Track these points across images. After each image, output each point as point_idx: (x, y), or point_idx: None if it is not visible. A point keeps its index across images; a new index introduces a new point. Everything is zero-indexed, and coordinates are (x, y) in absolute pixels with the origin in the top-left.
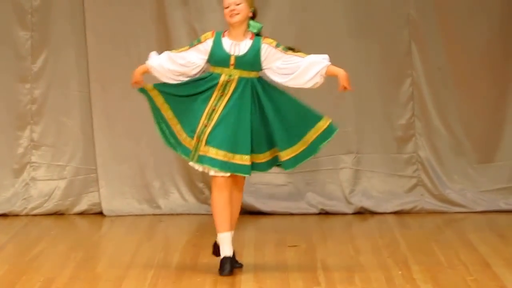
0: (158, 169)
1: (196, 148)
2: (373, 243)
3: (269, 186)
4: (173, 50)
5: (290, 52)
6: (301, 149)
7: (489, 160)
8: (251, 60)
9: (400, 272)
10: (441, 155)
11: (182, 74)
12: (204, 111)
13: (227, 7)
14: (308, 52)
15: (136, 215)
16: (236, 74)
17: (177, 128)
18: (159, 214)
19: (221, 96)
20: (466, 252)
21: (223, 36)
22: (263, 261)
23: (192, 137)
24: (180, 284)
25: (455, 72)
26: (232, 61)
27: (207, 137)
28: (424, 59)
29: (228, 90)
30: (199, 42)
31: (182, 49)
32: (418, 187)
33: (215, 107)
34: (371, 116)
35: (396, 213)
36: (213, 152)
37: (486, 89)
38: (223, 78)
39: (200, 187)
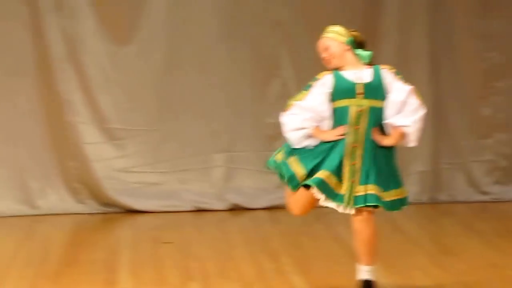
0: (35, 171)
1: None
2: (246, 238)
3: (144, 185)
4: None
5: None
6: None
7: None
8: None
9: (272, 265)
10: None
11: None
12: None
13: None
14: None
15: (15, 216)
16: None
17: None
18: (38, 215)
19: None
20: (334, 245)
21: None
22: (140, 259)
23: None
24: (61, 283)
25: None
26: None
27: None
28: (293, 61)
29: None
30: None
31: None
32: None
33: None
34: (243, 115)
35: (267, 208)
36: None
37: None
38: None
39: (77, 187)
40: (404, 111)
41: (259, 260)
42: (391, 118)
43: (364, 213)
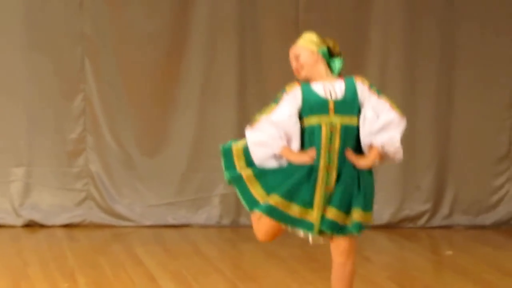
0: None
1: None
2: (41, 256)
3: None
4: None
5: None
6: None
7: (157, 175)
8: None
9: (66, 285)
10: (112, 170)
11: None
12: None
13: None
14: None
15: None
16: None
17: None
18: None
19: None
20: (132, 266)
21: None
22: None
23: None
24: None
25: (128, 89)
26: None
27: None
28: (97, 75)
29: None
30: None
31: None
32: (87, 201)
33: None
34: (43, 129)
35: (65, 226)
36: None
37: (155, 106)
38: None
39: None
40: (381, 128)
41: (54, 279)
42: (367, 136)
43: (342, 243)
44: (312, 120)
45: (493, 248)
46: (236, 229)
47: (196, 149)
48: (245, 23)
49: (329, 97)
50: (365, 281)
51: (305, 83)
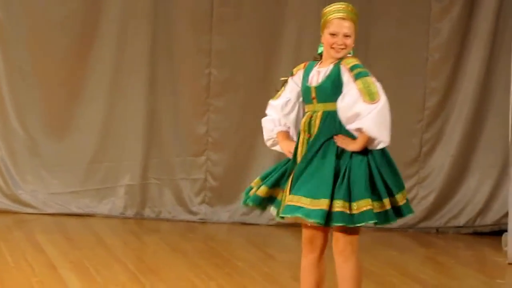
0: None
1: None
2: None
3: None
4: None
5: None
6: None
7: (63, 163)
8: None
9: None
10: (17, 156)
11: None
12: None
13: (335, 36)
14: None
15: None
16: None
17: None
18: None
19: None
20: (33, 253)
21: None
22: None
23: None
24: None
25: (38, 75)
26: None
27: None
28: (7, 61)
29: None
30: None
31: None
32: None
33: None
34: None
35: None
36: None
37: (64, 94)
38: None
39: None
40: (352, 117)
41: None
42: (345, 124)
43: (335, 241)
44: (306, 108)
45: (398, 251)
46: (140, 221)
47: (104, 139)
48: (158, 12)
49: (312, 84)
50: (268, 279)
51: (311, 64)
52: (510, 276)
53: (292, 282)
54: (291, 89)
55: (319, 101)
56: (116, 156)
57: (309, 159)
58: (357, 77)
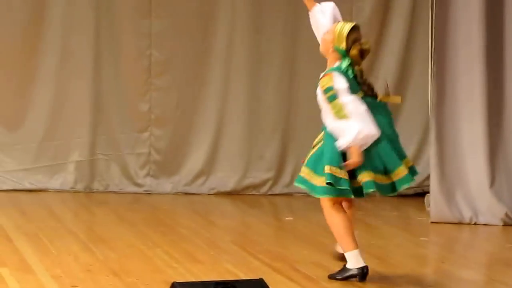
0: None
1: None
2: None
3: None
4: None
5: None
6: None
7: (15, 142)
8: None
9: None
10: None
11: None
12: None
13: None
14: None
15: None
16: None
17: None
18: None
19: None
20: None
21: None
22: None
23: None
24: None
25: None
26: None
27: None
28: None
29: None
30: None
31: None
32: None
33: None
34: None
35: None
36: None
37: (15, 76)
38: None
39: None
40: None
41: None
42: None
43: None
44: None
45: None
46: (89, 194)
47: (53, 119)
48: None
49: None
50: (210, 244)
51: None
52: (433, 233)
53: (232, 246)
54: None
55: None
56: (66, 134)
57: None
58: (330, 100)
